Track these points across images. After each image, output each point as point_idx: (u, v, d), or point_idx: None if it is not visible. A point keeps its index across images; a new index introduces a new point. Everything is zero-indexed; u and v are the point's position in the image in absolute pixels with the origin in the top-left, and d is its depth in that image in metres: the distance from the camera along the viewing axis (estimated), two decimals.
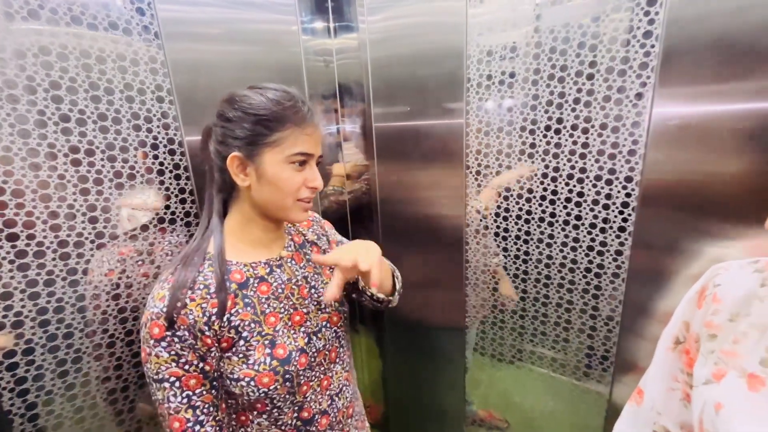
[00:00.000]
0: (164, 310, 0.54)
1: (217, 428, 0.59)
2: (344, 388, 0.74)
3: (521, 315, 1.02)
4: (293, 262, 0.70)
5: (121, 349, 0.77)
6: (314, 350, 0.66)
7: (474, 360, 1.16)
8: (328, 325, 0.71)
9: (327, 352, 0.70)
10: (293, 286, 0.68)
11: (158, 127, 0.78)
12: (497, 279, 1.03)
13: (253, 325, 0.61)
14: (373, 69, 1.04)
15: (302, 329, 0.66)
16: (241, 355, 0.59)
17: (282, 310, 0.65)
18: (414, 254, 1.12)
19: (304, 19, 1.01)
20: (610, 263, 0.85)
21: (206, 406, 0.58)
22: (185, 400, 0.56)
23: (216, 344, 0.58)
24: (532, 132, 0.88)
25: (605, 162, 0.81)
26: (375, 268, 0.59)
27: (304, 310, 0.68)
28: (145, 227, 0.78)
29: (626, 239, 0.82)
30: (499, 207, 0.97)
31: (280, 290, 0.65)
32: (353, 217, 1.24)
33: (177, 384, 0.55)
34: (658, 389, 0.66)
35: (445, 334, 1.16)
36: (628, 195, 0.79)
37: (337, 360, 0.73)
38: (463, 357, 1.16)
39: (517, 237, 0.96)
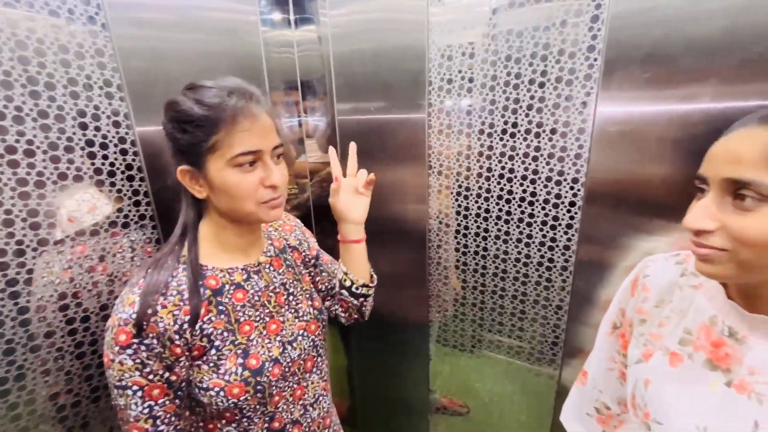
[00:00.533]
0: (133, 316, 0.52)
1: None
2: (321, 398, 0.73)
3: (480, 307, 1.08)
4: (272, 268, 0.68)
5: (71, 362, 0.73)
6: (288, 360, 0.65)
7: (436, 351, 1.22)
8: (305, 333, 0.69)
9: (302, 362, 0.68)
10: (270, 294, 0.66)
11: (108, 125, 0.73)
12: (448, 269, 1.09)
13: (225, 333, 0.59)
14: (336, 64, 1.03)
15: (278, 338, 0.64)
16: (211, 364, 0.58)
17: (257, 318, 0.63)
18: (378, 252, 1.14)
19: (264, 9, 0.98)
20: (559, 257, 0.93)
21: (168, 416, 0.56)
22: (146, 410, 0.54)
23: (186, 353, 0.56)
24: (489, 135, 0.93)
25: (555, 164, 0.87)
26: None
27: (281, 319, 0.66)
28: (95, 232, 0.73)
29: (573, 235, 0.89)
30: (459, 206, 1.02)
31: (256, 298, 0.64)
32: (317, 218, 1.24)
33: (139, 393, 0.53)
34: (599, 370, 0.73)
35: (410, 329, 1.20)
36: (575, 195, 0.87)
37: (314, 370, 0.71)
38: (427, 349, 1.21)
39: (477, 234, 1.02)
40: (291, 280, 0.71)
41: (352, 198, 0.80)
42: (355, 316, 0.85)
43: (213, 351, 0.58)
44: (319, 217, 1.23)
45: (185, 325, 0.55)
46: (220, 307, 0.59)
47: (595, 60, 0.77)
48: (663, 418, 0.55)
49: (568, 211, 0.89)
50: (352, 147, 0.82)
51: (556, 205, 0.90)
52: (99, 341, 0.75)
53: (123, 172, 0.76)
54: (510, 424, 1.17)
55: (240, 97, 0.55)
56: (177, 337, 0.54)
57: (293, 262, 0.74)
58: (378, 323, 1.19)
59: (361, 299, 0.82)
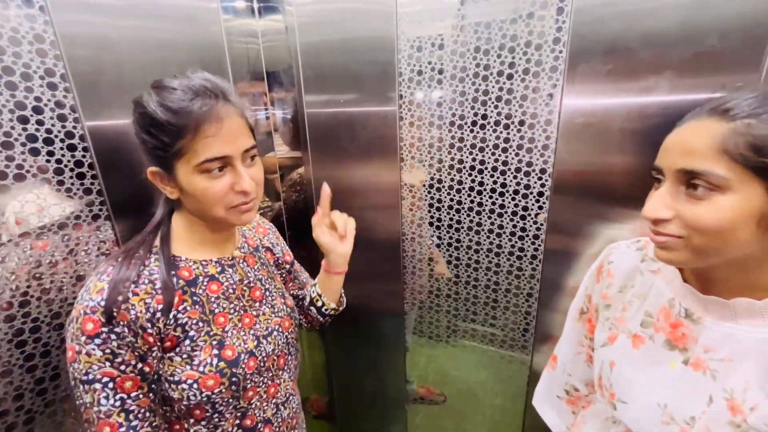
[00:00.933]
0: (102, 303, 0.49)
1: None
2: (291, 398, 0.73)
3: (455, 298, 1.09)
4: (246, 263, 0.68)
5: (21, 376, 0.67)
6: (264, 354, 0.64)
7: (413, 342, 1.23)
8: (280, 329, 0.69)
9: (276, 358, 0.67)
10: (244, 288, 0.66)
11: (52, 118, 0.67)
12: (434, 260, 1.09)
13: (201, 324, 0.58)
14: (304, 55, 1.00)
15: (252, 332, 0.64)
16: (185, 356, 0.56)
17: (232, 310, 0.62)
18: (354, 247, 1.13)
19: None
20: (529, 246, 0.95)
21: (141, 410, 0.53)
22: (118, 403, 0.51)
23: (158, 343, 0.54)
24: (460, 127, 0.93)
25: (524, 155, 0.89)
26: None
27: (254, 313, 0.66)
28: (42, 234, 0.67)
29: (542, 225, 0.92)
30: (432, 198, 1.02)
31: (231, 290, 0.63)
32: (290, 224, 1.21)
33: (110, 385, 0.50)
34: (567, 354, 0.76)
35: (386, 321, 1.20)
36: (542, 185, 0.89)
37: (285, 367, 0.71)
38: (403, 340, 1.21)
39: (450, 226, 1.02)
40: (266, 277, 0.71)
41: (334, 235, 0.79)
42: (317, 327, 0.89)
43: (187, 342, 0.56)
44: (292, 224, 1.20)
45: (158, 314, 0.53)
46: (195, 298, 0.58)
47: (561, 52, 0.78)
48: (627, 398, 0.58)
49: (537, 201, 0.91)
50: (325, 190, 0.78)
51: (525, 196, 0.91)
52: (52, 352, 0.70)
53: (72, 170, 0.70)
54: (485, 409, 1.20)
55: (206, 99, 0.52)
56: (149, 325, 0.52)
57: (266, 262, 0.74)
58: (354, 317, 1.19)
59: (327, 318, 0.86)
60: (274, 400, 0.68)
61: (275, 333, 0.67)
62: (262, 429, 0.66)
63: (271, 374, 0.67)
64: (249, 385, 0.62)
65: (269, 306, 0.68)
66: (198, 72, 0.55)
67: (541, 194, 0.89)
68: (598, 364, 0.65)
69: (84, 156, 0.71)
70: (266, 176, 1.13)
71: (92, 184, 0.73)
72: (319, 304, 0.83)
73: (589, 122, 0.79)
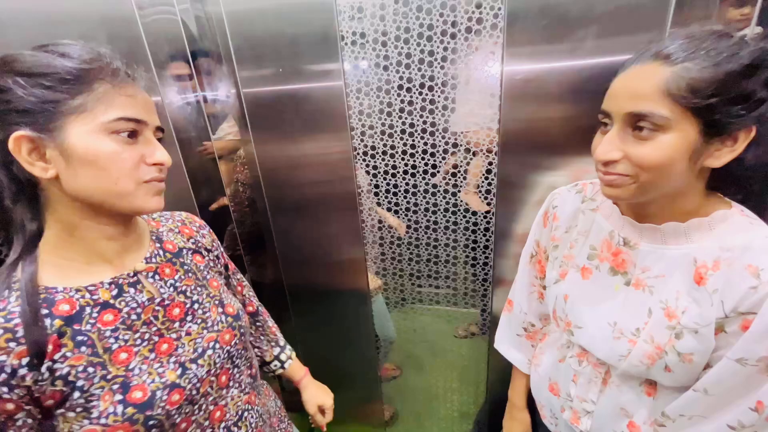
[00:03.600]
0: None
1: None
2: (246, 414, 0.63)
3: (416, 261, 1.13)
4: (157, 277, 0.56)
5: None
6: (195, 381, 0.54)
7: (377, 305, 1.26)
8: (218, 345, 0.58)
9: (214, 378, 0.57)
10: (157, 308, 0.54)
11: None
12: (383, 218, 1.11)
13: (91, 369, 0.46)
14: (231, 25, 0.92)
15: (172, 359, 0.53)
16: (79, 410, 0.46)
17: (138, 341, 0.51)
18: (309, 224, 1.11)
19: None
20: (482, 201, 1.01)
21: None
22: None
23: (25, 407, 0.44)
24: (408, 90, 0.93)
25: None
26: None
27: (173, 336, 0.55)
28: None
29: (493, 179, 0.97)
30: (386, 165, 1.02)
31: (134, 316, 0.51)
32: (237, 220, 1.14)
33: None
34: (522, 295, 0.83)
35: (350, 294, 1.21)
36: (491, 143, 0.93)
37: (231, 384, 0.61)
38: (370, 314, 1.24)
39: (406, 191, 1.04)
40: (193, 286, 0.60)
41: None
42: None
43: (77, 394, 0.46)
44: (240, 220, 1.14)
45: (21, 371, 0.43)
46: (79, 338, 0.47)
47: (500, 9, 0.80)
48: (582, 323, 0.65)
49: (486, 157, 0.95)
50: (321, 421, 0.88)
51: (475, 153, 0.95)
52: None
53: None
54: (455, 362, 1.29)
55: (123, 64, 0.48)
56: (6, 390, 0.42)
57: (194, 267, 0.62)
58: (317, 294, 1.18)
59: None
60: (222, 425, 0.59)
61: (210, 351, 0.57)
62: None
63: (211, 398, 0.57)
64: (178, 419, 0.52)
65: (198, 322, 0.58)
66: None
67: (489, 151, 0.94)
68: (551, 299, 0.72)
69: None
70: (206, 166, 1.06)
71: None
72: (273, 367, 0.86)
73: (528, 79, 0.83)
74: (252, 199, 1.13)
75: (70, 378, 0.45)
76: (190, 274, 0.60)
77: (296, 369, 0.87)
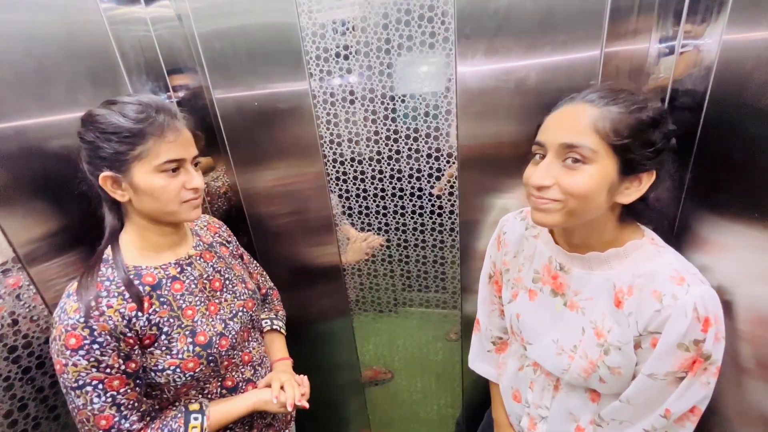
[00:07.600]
0: (81, 320, 0.58)
1: (142, 417, 0.65)
2: (264, 359, 0.87)
3: (390, 276, 1.19)
4: (202, 259, 0.77)
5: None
6: (234, 333, 0.76)
7: (357, 318, 1.28)
8: (244, 310, 0.80)
9: (242, 333, 0.79)
10: (205, 281, 0.75)
11: None
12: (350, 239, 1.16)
13: (171, 320, 0.67)
14: (204, 45, 0.96)
15: (218, 317, 0.74)
16: (164, 348, 0.66)
17: (198, 302, 0.72)
18: (290, 233, 1.16)
19: None
20: (446, 221, 1.05)
21: (131, 402, 0.63)
22: (109, 400, 0.61)
23: (138, 343, 0.64)
24: (372, 100, 0.98)
25: (431, 122, 0.95)
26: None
27: (217, 301, 0.76)
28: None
29: (456, 201, 1.01)
30: (355, 171, 1.07)
31: (193, 285, 0.73)
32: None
33: (100, 386, 0.60)
34: (485, 313, 0.90)
35: (333, 316, 1.26)
36: (450, 147, 0.97)
37: (250, 338, 0.83)
38: (350, 323, 1.27)
39: (375, 195, 1.09)
40: (225, 268, 0.81)
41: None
42: None
43: (163, 337, 0.66)
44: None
45: (133, 319, 0.63)
46: (162, 299, 0.67)
47: (450, 23, 0.85)
48: (532, 339, 0.72)
49: (448, 159, 1.00)
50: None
51: (437, 159, 1.00)
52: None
53: None
54: (430, 366, 1.33)
55: (166, 115, 0.64)
56: (127, 330, 0.62)
57: (222, 255, 0.84)
58: (300, 319, 1.22)
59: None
60: (250, 364, 0.81)
61: (240, 314, 0.79)
62: (244, 387, 0.79)
63: (242, 346, 0.80)
64: (225, 359, 0.74)
65: (230, 293, 0.79)
66: (144, 94, 0.66)
67: (450, 155, 0.99)
68: (508, 317, 0.78)
69: None
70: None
71: None
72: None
73: (478, 94, 0.86)
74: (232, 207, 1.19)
75: (160, 325, 0.66)
76: (221, 259, 0.81)
77: (277, 345, 0.95)
